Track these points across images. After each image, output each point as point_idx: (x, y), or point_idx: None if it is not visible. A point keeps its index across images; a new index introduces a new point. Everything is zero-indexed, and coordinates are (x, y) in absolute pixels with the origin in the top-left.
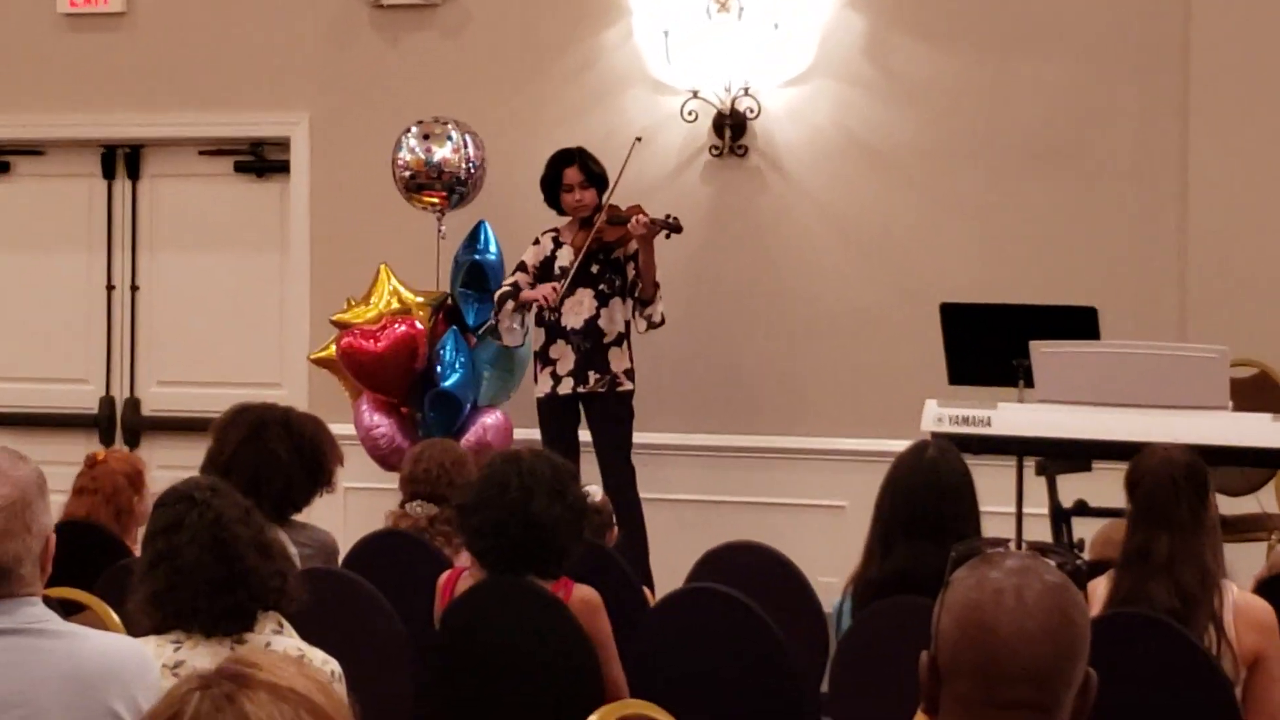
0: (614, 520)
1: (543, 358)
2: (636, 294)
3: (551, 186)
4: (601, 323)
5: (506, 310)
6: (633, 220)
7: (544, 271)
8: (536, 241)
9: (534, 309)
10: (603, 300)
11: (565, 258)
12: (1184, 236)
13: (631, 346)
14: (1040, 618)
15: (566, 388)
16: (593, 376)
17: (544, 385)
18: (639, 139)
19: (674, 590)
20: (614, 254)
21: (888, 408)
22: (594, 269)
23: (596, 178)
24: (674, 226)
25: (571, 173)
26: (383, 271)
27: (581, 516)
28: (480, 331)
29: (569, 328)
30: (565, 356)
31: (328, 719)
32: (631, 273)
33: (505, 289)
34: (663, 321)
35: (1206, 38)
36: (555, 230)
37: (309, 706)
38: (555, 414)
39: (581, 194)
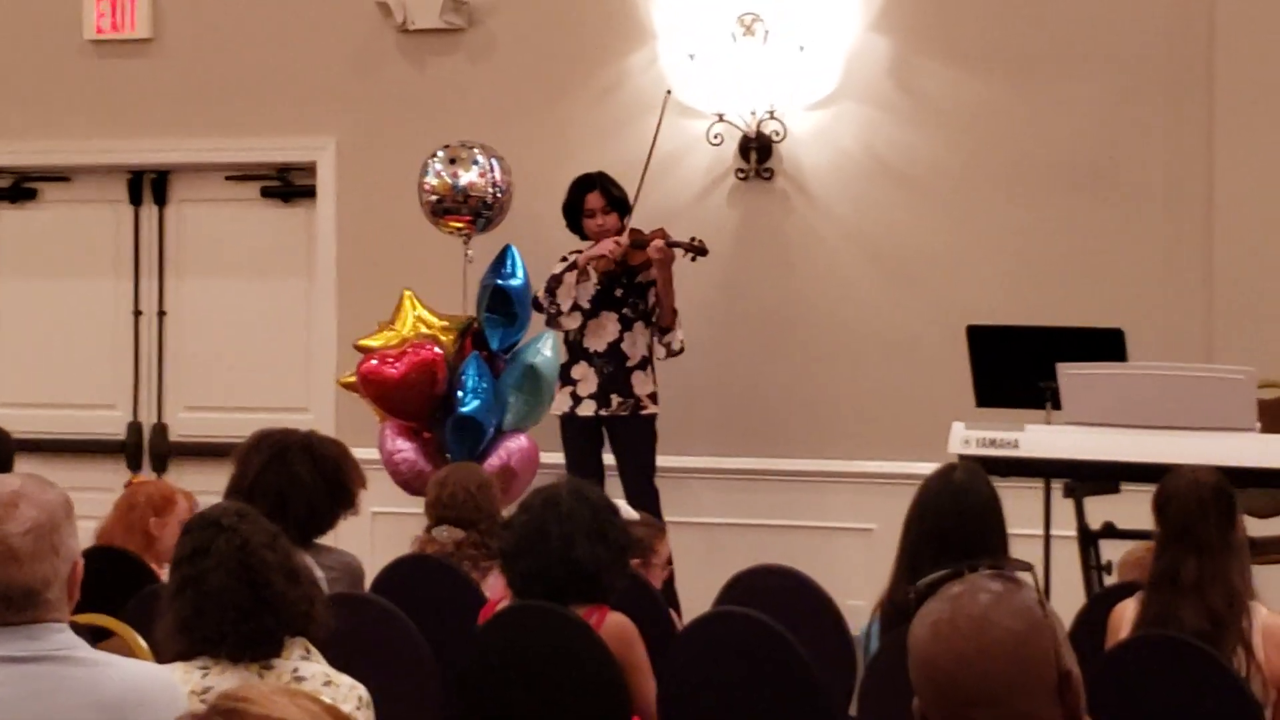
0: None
1: (564, 376)
2: (655, 320)
3: (573, 212)
4: (624, 346)
5: (568, 284)
6: (651, 244)
7: None
8: (564, 259)
9: (594, 277)
10: (626, 324)
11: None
12: (1210, 258)
13: (655, 370)
14: (973, 639)
15: (588, 410)
16: (615, 400)
17: (562, 403)
18: (669, 91)
19: (701, 614)
20: (637, 278)
21: (915, 430)
22: (618, 293)
23: (618, 202)
24: (698, 249)
25: (593, 198)
26: (406, 298)
27: (625, 552)
28: (546, 322)
29: (592, 350)
30: (587, 378)
31: None
32: (653, 299)
33: (554, 275)
34: (682, 350)
35: (1231, 60)
36: (578, 252)
37: None
38: (577, 435)
39: (604, 219)
